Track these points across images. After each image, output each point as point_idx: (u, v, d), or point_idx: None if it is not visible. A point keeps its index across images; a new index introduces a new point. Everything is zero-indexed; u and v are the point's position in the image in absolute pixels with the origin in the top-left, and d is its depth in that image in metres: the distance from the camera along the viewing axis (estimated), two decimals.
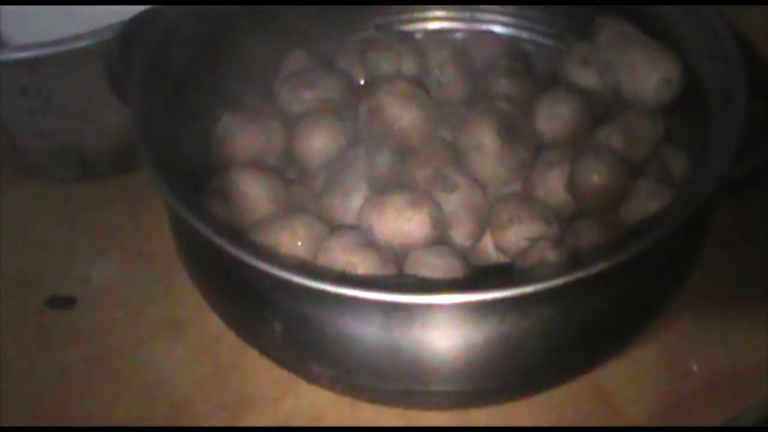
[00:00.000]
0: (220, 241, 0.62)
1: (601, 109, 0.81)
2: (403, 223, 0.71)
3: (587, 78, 0.83)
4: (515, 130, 0.76)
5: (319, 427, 0.75)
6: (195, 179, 0.76)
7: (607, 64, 0.82)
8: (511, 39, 0.91)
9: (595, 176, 0.73)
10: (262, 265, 0.61)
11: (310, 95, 0.82)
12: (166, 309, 0.84)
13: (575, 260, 0.67)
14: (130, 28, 0.77)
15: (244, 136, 0.78)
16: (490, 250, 0.75)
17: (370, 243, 0.70)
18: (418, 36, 0.91)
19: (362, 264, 0.68)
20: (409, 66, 0.83)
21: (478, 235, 0.75)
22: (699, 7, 0.76)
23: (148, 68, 0.74)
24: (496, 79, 0.82)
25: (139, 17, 0.78)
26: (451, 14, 0.93)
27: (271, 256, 0.67)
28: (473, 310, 0.62)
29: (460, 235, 0.74)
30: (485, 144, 0.75)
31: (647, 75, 0.79)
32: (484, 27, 0.93)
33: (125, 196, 0.93)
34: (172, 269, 0.78)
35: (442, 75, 0.85)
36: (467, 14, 0.93)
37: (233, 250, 0.61)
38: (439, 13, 0.93)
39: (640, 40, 0.81)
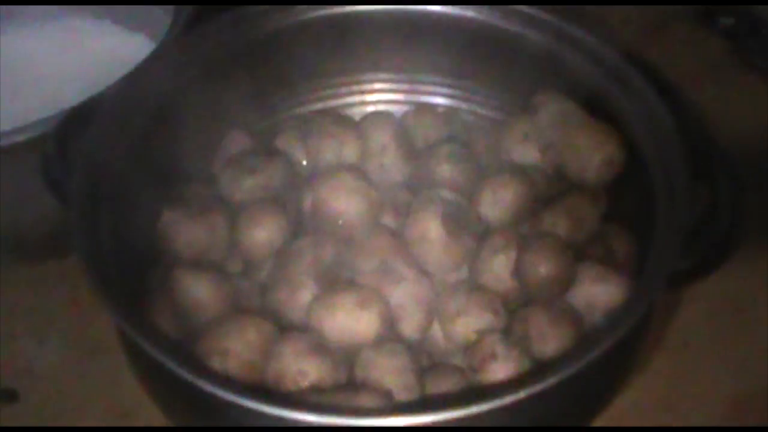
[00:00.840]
0: (168, 362, 0.61)
1: (543, 187, 0.81)
2: (352, 324, 0.72)
3: (528, 154, 0.84)
4: (460, 218, 0.76)
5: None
6: (140, 272, 0.74)
7: (548, 143, 0.82)
8: (451, 110, 0.91)
9: (542, 268, 0.73)
10: (213, 389, 0.60)
11: (251, 182, 0.81)
12: (113, 399, 0.83)
13: (532, 373, 0.67)
14: (66, 122, 0.76)
15: (187, 233, 0.76)
16: (440, 340, 0.75)
17: (320, 347, 0.70)
18: (357, 109, 0.91)
19: (314, 371, 0.68)
20: (350, 152, 0.83)
21: (426, 327, 0.75)
22: (639, 87, 0.77)
23: (86, 166, 0.73)
24: (439, 164, 0.81)
25: (75, 110, 0.77)
26: (390, 86, 0.92)
27: (219, 378, 0.66)
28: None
29: (409, 328, 0.74)
30: (430, 236, 0.75)
31: (589, 155, 0.79)
32: (424, 99, 0.92)
33: (66, 280, 0.90)
34: (117, 357, 0.76)
35: (384, 158, 0.84)
36: (406, 86, 0.92)
37: (180, 372, 0.60)
38: (378, 85, 0.92)
39: (580, 119, 0.81)
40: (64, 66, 0.94)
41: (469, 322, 0.73)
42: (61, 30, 1.01)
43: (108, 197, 0.73)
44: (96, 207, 0.72)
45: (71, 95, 0.79)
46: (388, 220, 0.79)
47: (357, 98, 0.93)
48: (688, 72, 1.05)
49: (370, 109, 0.92)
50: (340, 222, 0.77)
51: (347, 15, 0.87)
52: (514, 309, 0.75)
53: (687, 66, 1.08)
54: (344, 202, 0.77)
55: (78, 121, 0.76)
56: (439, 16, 0.86)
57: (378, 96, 0.93)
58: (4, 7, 1.00)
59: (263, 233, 0.78)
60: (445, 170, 0.81)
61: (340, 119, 0.86)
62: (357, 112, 0.92)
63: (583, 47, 0.81)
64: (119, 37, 1.01)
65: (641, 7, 1.13)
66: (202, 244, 0.77)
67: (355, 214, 0.77)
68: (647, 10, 1.13)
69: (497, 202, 0.79)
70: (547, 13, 0.83)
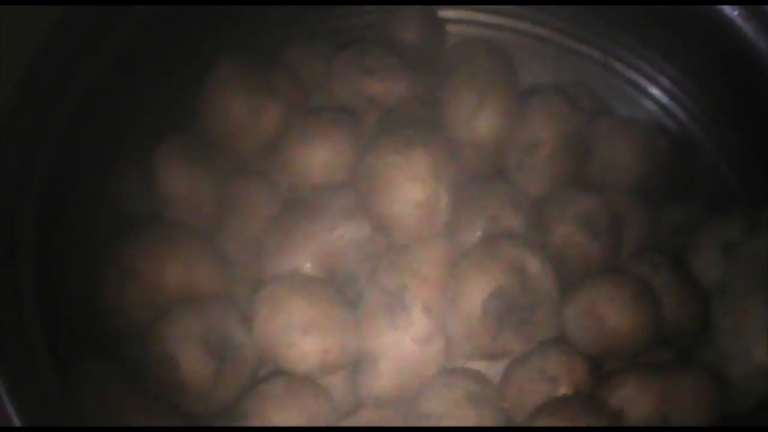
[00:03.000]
0: None
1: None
2: (284, 347, 0.54)
3: (712, 271, 0.58)
4: (519, 311, 0.53)
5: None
6: None
7: (725, 286, 0.55)
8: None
9: None
10: None
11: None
12: None
13: None
14: None
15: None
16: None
17: None
18: None
19: None
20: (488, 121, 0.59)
21: (385, 400, 0.55)
22: None
23: None
24: (561, 222, 0.56)
25: None
26: None
27: None
28: None
29: (366, 386, 0.55)
30: (461, 303, 0.53)
31: (750, 351, 0.54)
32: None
33: None
34: None
35: (528, 159, 0.60)
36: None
37: None
38: None
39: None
40: None
41: None
42: None
43: None
44: None
45: None
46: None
47: None
48: None
49: None
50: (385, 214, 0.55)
51: None
52: None
53: None
54: (397, 200, 0.55)
55: None
56: None
57: None
58: None
59: (317, 156, 0.58)
60: (560, 235, 0.56)
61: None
62: None
63: None
64: None
65: None
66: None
67: (408, 221, 0.55)
68: None
69: (590, 317, 0.55)
70: None
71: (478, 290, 0.53)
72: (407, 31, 0.64)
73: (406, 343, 0.54)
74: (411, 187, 0.54)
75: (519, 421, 0.54)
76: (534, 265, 0.54)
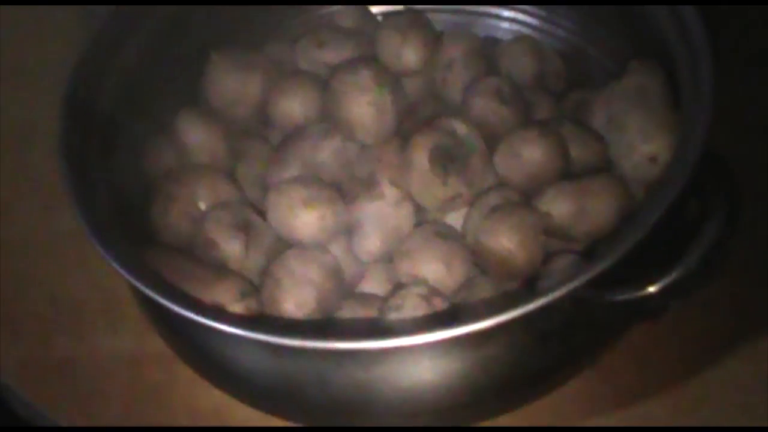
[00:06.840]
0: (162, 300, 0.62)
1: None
2: (291, 220, 0.71)
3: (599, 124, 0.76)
4: (457, 160, 0.71)
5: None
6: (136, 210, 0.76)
7: (611, 117, 0.73)
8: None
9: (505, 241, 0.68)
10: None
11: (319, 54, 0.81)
12: None
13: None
14: None
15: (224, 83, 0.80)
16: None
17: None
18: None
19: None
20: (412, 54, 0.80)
21: (376, 254, 0.72)
22: None
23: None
24: (474, 96, 0.75)
25: None
26: None
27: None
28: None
29: (360, 246, 0.72)
30: (415, 164, 0.71)
31: (634, 146, 0.71)
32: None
33: None
34: None
35: (447, 75, 0.80)
36: None
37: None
38: None
39: (652, 101, 0.71)
40: None
41: (414, 266, 0.70)
42: None
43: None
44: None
45: None
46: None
47: None
48: None
49: None
50: (348, 119, 0.75)
51: None
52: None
53: None
54: (353, 101, 0.74)
55: None
56: None
57: None
58: None
59: (294, 104, 0.79)
60: (477, 105, 0.75)
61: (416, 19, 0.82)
62: None
63: None
64: None
65: None
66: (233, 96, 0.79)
67: (360, 115, 0.74)
68: None
69: (513, 157, 0.72)
70: None
71: (423, 149, 0.71)
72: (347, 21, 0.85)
73: (383, 208, 0.72)
74: (362, 93, 0.74)
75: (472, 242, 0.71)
76: (461, 128, 0.72)
